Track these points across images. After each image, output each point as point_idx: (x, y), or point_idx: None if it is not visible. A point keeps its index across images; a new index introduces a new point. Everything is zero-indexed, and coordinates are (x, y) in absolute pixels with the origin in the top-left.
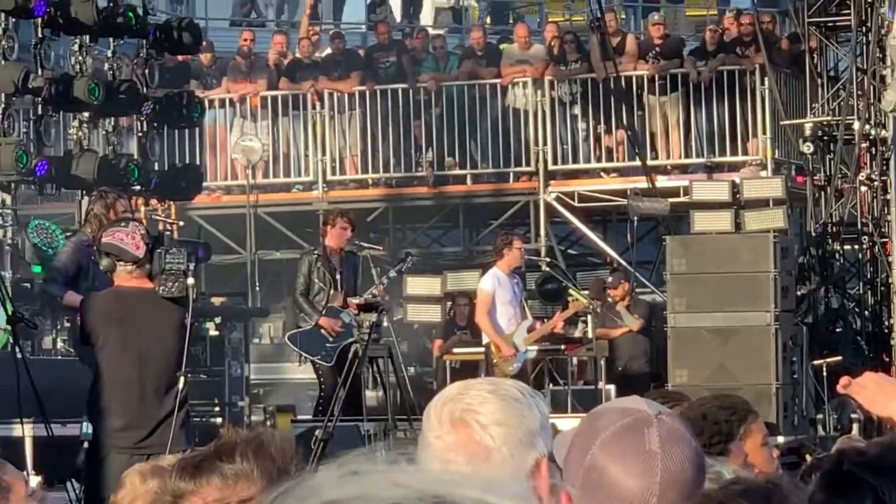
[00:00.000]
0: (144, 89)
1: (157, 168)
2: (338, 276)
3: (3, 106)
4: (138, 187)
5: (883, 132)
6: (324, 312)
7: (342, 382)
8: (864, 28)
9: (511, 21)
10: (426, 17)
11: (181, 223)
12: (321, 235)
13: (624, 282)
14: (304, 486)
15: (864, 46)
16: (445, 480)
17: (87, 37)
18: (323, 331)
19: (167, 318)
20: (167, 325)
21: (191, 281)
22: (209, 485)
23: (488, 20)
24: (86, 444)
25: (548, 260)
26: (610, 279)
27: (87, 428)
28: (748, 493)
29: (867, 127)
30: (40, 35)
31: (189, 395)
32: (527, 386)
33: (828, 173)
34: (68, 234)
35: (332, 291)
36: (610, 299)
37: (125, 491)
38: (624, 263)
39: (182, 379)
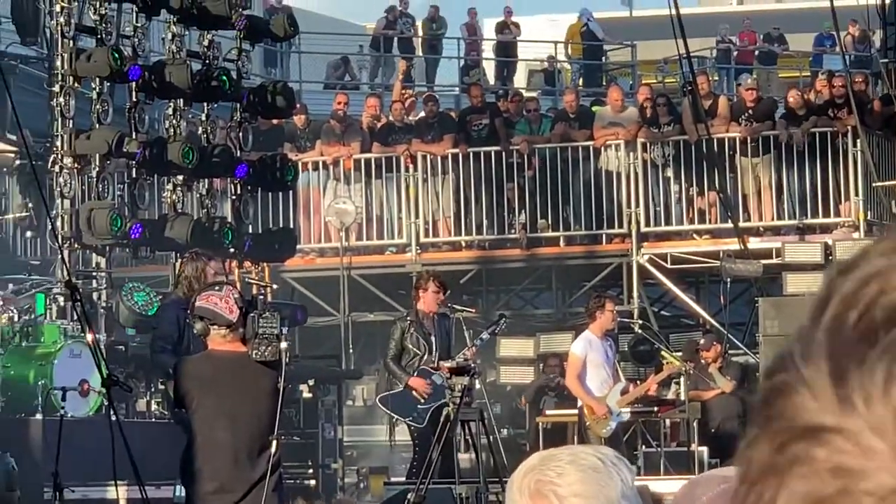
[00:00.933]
0: (238, 152)
1: (250, 231)
2: (431, 340)
3: (98, 169)
4: (232, 250)
5: None
6: (414, 374)
7: (435, 445)
8: None
9: (604, 83)
10: (519, 80)
11: (275, 286)
12: (413, 299)
13: (716, 343)
14: None
15: None
16: None
17: (182, 100)
18: (414, 392)
19: (260, 381)
20: (260, 389)
21: (284, 345)
22: None
23: (581, 82)
24: None
25: (640, 322)
26: (702, 341)
27: (181, 491)
28: None
29: None
30: (135, 99)
31: (283, 458)
32: (611, 452)
33: None
34: (160, 297)
35: (425, 356)
36: (703, 361)
37: None
38: (717, 325)
39: (275, 443)
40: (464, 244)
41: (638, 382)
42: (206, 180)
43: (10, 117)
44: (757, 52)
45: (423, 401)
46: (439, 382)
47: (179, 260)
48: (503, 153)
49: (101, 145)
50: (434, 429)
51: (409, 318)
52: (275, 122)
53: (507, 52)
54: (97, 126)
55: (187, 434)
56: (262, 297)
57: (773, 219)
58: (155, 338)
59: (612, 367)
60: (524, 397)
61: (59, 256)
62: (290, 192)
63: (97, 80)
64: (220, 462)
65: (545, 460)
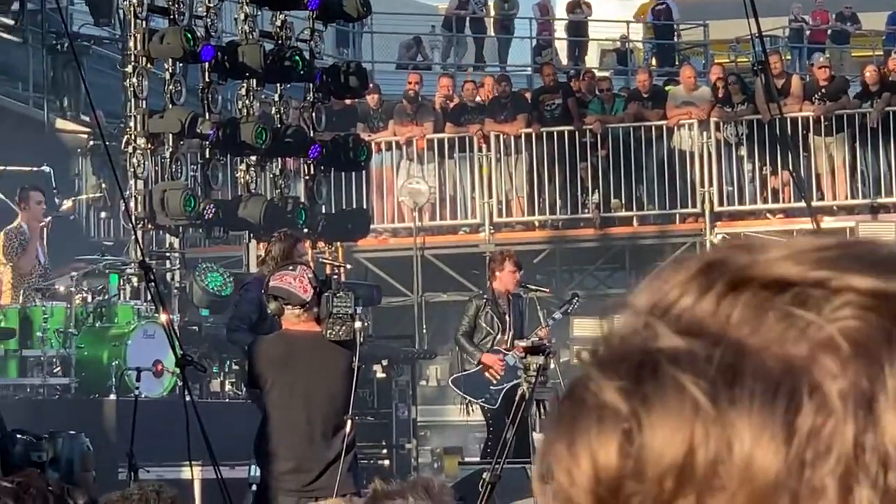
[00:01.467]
0: (311, 132)
1: (323, 211)
2: (506, 319)
3: (171, 150)
4: (306, 230)
5: None
6: (487, 350)
7: (510, 425)
8: None
9: (676, 63)
10: (591, 60)
11: (348, 266)
12: (489, 278)
13: None
14: None
15: None
16: None
17: (255, 81)
18: (487, 373)
19: (335, 361)
20: (335, 369)
21: (358, 324)
22: None
23: (653, 62)
24: (254, 487)
25: None
26: None
27: (255, 471)
28: None
29: None
30: (208, 79)
31: (357, 438)
32: None
33: None
34: (233, 277)
35: (498, 336)
36: None
37: None
38: None
39: (349, 422)
40: (537, 224)
41: None
42: (280, 161)
43: (84, 98)
44: (829, 32)
45: (495, 382)
46: (512, 363)
47: (267, 239)
48: (576, 133)
49: (175, 126)
50: (508, 408)
51: (485, 297)
52: (347, 102)
53: (578, 31)
54: (170, 106)
55: (262, 414)
56: (335, 277)
57: (846, 198)
58: (232, 317)
59: None
60: None
61: (133, 237)
62: (364, 172)
63: (170, 60)
64: (295, 442)
65: None
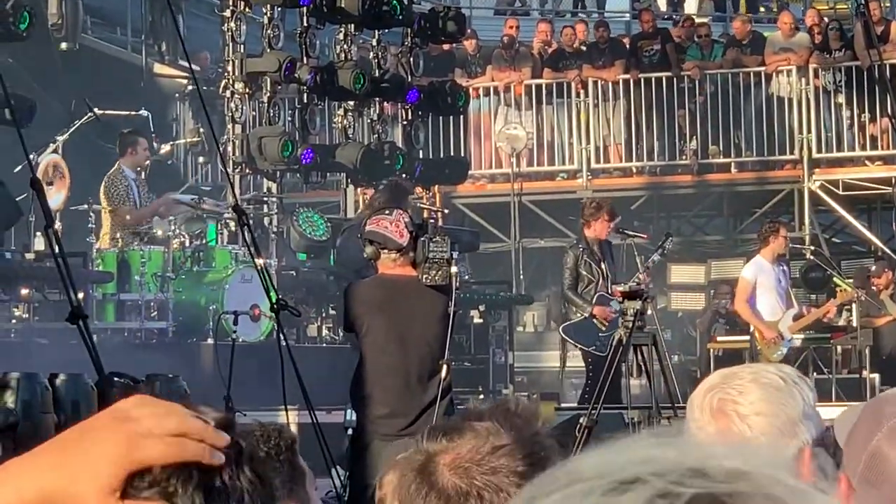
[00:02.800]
0: (409, 78)
1: (421, 156)
2: (603, 266)
3: (269, 95)
4: (403, 175)
5: None
6: (595, 302)
7: (607, 370)
8: None
9: (775, 9)
10: (690, 6)
11: (446, 211)
12: (582, 226)
13: (888, 270)
14: (565, 470)
15: None
16: (704, 451)
17: (352, 26)
18: (595, 320)
19: (431, 305)
20: (431, 313)
21: (454, 269)
22: (461, 439)
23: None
24: (350, 432)
25: (812, 248)
26: (874, 268)
27: (351, 415)
28: None
29: None
30: (305, 24)
31: (453, 383)
32: (793, 371)
33: None
34: (330, 222)
35: (599, 282)
36: (874, 288)
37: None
38: (889, 252)
39: (445, 367)
40: (634, 170)
41: (812, 309)
42: (377, 106)
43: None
44: None
45: (604, 329)
46: (618, 308)
47: (365, 185)
48: (674, 79)
49: (273, 70)
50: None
51: (581, 246)
52: (445, 47)
53: None
54: (268, 51)
55: (358, 358)
56: (433, 221)
57: None
58: (337, 263)
59: (784, 292)
60: (698, 324)
61: (229, 182)
62: (461, 117)
63: (268, 5)
64: (391, 386)
65: (727, 378)
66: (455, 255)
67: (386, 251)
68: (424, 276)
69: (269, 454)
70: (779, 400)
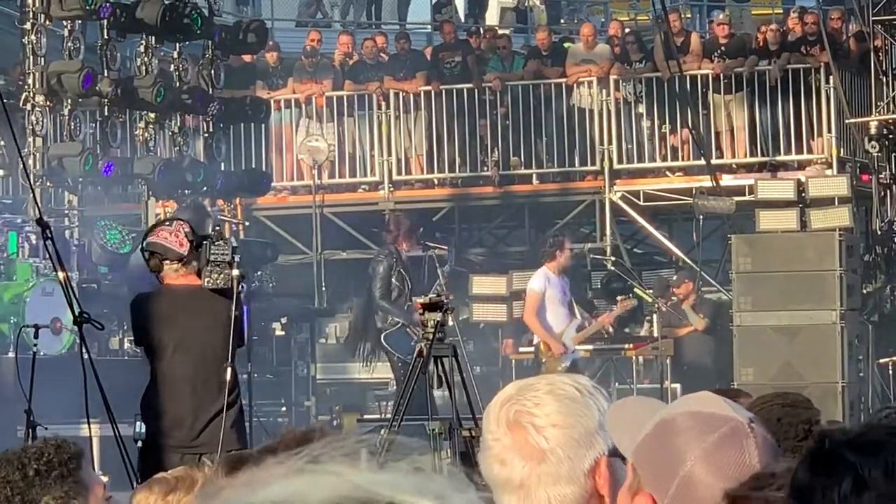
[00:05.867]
0: (210, 90)
1: (222, 169)
2: (412, 277)
3: (69, 107)
4: (204, 188)
5: None
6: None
7: (407, 381)
8: None
9: (576, 21)
10: (492, 17)
11: (247, 223)
12: (391, 241)
13: (689, 281)
14: (247, 481)
15: None
16: (380, 481)
17: (153, 38)
18: (409, 330)
19: (215, 311)
20: (215, 320)
21: (236, 272)
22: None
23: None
24: (139, 444)
25: (613, 259)
26: (675, 278)
27: (141, 427)
28: None
29: None
30: (106, 37)
31: (255, 395)
32: (588, 381)
33: (893, 171)
34: (133, 234)
35: (407, 292)
36: (675, 298)
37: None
38: (689, 262)
39: (228, 370)
40: (436, 182)
41: (594, 321)
42: (178, 118)
43: None
44: None
45: (417, 339)
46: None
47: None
48: (476, 90)
49: (73, 83)
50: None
51: (393, 256)
52: (246, 59)
53: None
54: (69, 63)
55: (149, 370)
56: (234, 233)
57: (745, 156)
58: (128, 275)
59: (568, 304)
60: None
61: (31, 195)
62: (263, 129)
63: (69, 18)
64: (178, 396)
65: (522, 390)
66: (237, 258)
67: (168, 262)
68: (206, 280)
69: (38, 472)
70: (575, 411)
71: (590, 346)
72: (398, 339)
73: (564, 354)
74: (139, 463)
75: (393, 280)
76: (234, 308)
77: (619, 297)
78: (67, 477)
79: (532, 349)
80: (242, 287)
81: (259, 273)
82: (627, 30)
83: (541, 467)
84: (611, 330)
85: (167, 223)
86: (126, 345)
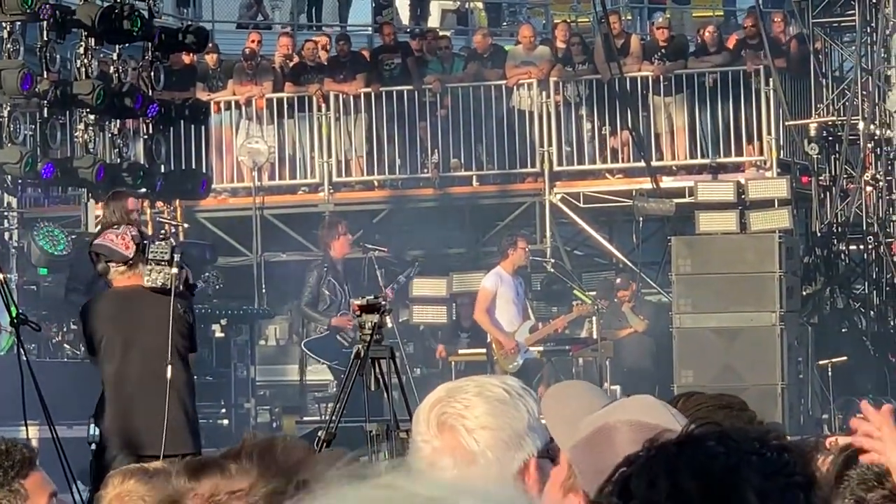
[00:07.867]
0: (150, 92)
1: (162, 170)
2: (345, 287)
3: (8, 109)
4: (143, 190)
5: (888, 132)
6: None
7: (345, 383)
8: (868, 28)
9: (515, 22)
10: (432, 20)
11: (186, 225)
12: (325, 247)
13: (629, 283)
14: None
15: (869, 47)
16: (442, 486)
17: (93, 40)
18: (339, 336)
19: (160, 312)
20: (161, 320)
21: (175, 270)
22: (207, 479)
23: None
24: (93, 446)
25: (553, 261)
26: (619, 281)
27: (94, 430)
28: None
29: (872, 127)
30: (45, 38)
31: (197, 396)
32: (517, 383)
33: (833, 173)
34: (72, 236)
35: (341, 302)
36: (615, 300)
37: (108, 490)
38: (629, 264)
39: (169, 368)
40: (376, 183)
41: (550, 322)
42: (118, 120)
43: None
44: None
45: (346, 344)
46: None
47: (92, 200)
48: (415, 92)
49: (11, 85)
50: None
51: (325, 265)
52: (186, 61)
53: None
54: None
55: (101, 374)
56: (174, 235)
57: (685, 158)
58: (69, 278)
59: (521, 304)
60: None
61: None
62: (202, 131)
63: (8, 20)
64: (128, 398)
65: (452, 392)
66: (177, 257)
67: (114, 264)
68: (146, 279)
69: None
70: (504, 413)
71: (540, 348)
72: (324, 346)
73: (516, 352)
74: (92, 465)
75: (323, 290)
76: (177, 306)
77: (574, 302)
78: (3, 485)
79: (477, 351)
80: (197, 286)
81: (207, 275)
82: (572, 32)
83: (471, 469)
84: (565, 332)
85: (115, 227)
86: (66, 346)
